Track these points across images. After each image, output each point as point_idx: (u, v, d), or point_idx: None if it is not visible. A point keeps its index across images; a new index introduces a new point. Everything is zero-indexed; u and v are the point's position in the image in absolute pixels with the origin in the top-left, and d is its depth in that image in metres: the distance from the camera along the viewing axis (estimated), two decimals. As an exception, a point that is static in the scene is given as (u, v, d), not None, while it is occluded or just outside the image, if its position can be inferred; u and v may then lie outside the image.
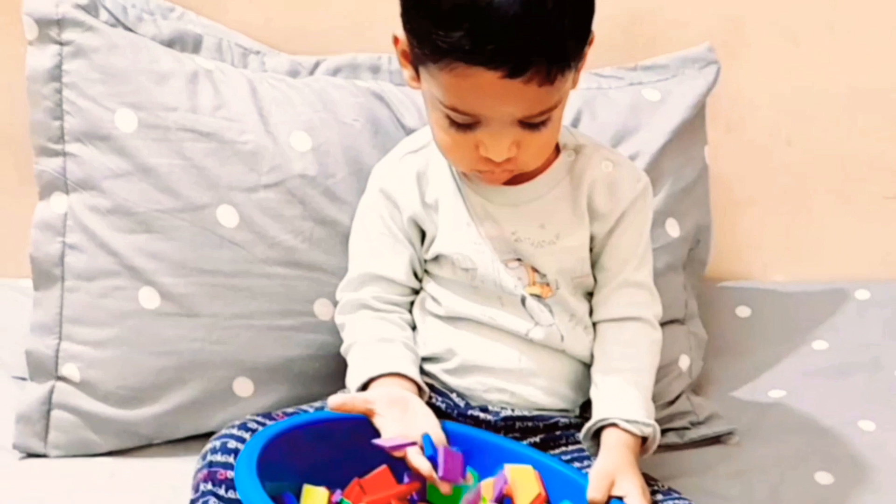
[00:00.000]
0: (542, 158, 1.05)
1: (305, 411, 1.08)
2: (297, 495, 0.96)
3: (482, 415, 1.07)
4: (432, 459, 0.97)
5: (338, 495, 0.97)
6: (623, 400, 1.04)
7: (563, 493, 1.00)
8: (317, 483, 0.97)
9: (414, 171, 1.10)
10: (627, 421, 1.02)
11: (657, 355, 1.10)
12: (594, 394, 1.07)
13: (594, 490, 0.97)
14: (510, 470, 1.00)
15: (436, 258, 1.10)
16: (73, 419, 1.17)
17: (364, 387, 1.05)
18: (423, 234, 1.11)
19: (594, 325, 1.10)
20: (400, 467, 1.01)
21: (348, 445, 1.00)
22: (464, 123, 1.00)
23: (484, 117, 0.99)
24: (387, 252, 1.10)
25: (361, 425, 1.02)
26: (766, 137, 1.46)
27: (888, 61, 1.45)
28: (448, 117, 1.00)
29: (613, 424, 1.03)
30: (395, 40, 1.04)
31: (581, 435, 1.06)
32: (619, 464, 1.00)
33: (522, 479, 1.00)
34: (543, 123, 1.00)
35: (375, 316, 1.10)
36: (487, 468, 1.01)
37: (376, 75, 1.28)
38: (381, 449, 0.98)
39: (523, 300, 1.08)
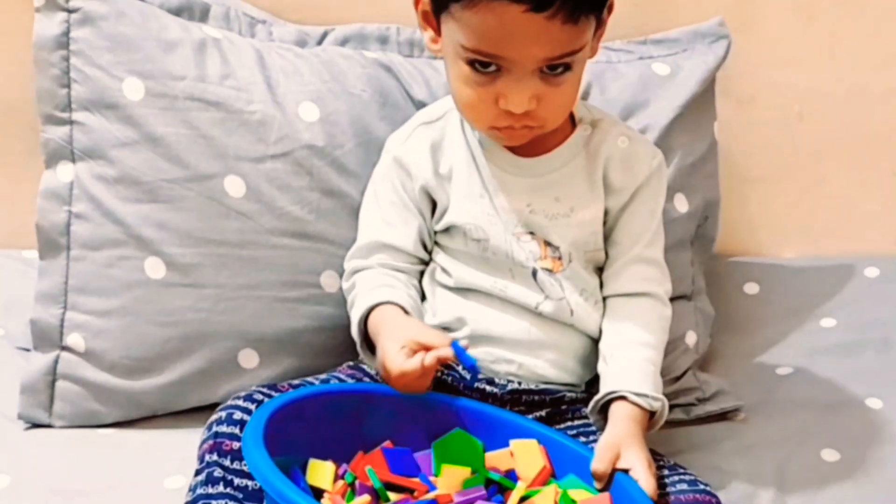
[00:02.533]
0: (561, 117, 1.06)
1: (311, 383, 1.08)
2: (304, 470, 0.96)
3: (488, 387, 1.07)
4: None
5: (344, 468, 0.97)
6: (632, 374, 1.04)
7: (568, 467, 1.00)
8: (322, 456, 0.97)
9: (428, 141, 1.10)
10: (636, 394, 1.02)
11: (666, 331, 1.10)
12: (602, 368, 1.07)
13: (598, 461, 0.98)
14: (515, 445, 1.00)
15: (447, 229, 1.10)
16: (77, 389, 1.17)
17: (366, 318, 1.05)
18: (433, 206, 1.11)
19: (604, 299, 1.10)
20: (403, 441, 1.01)
21: (354, 418, 1.00)
22: (485, 72, 1.00)
23: (505, 62, 0.99)
24: (396, 221, 1.10)
25: (366, 398, 1.02)
26: (778, 112, 1.45)
27: (901, 36, 1.44)
28: (470, 64, 1.00)
29: (622, 397, 1.03)
30: (416, 0, 1.04)
31: (588, 408, 1.05)
32: (626, 436, 1.00)
33: (527, 453, 1.00)
34: (563, 74, 1.00)
35: (381, 272, 1.10)
36: (493, 442, 1.02)
37: (384, 46, 1.28)
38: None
39: (534, 273, 1.08)
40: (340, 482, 0.96)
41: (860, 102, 1.45)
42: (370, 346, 1.06)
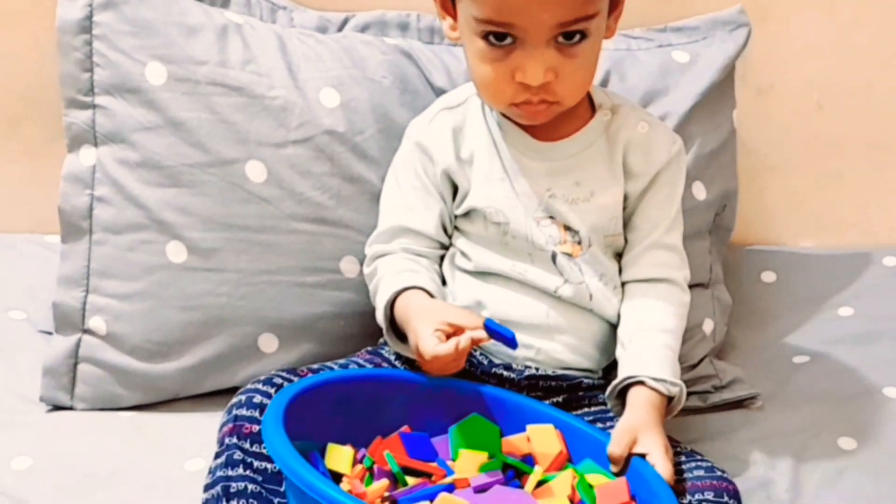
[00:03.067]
0: (578, 95, 1.06)
1: (330, 368, 1.08)
2: (323, 454, 0.97)
3: (505, 373, 1.08)
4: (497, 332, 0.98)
5: (362, 453, 0.98)
6: (650, 359, 1.04)
7: (584, 452, 1.00)
8: (341, 441, 0.98)
9: (450, 126, 1.11)
10: (655, 379, 1.03)
11: (685, 318, 1.10)
12: (620, 353, 1.07)
13: (615, 445, 0.98)
14: (531, 430, 1.01)
15: (467, 214, 1.11)
16: (99, 372, 1.18)
17: (392, 303, 1.05)
18: (454, 190, 1.11)
19: (623, 285, 1.11)
20: (421, 426, 1.02)
21: (372, 403, 1.01)
22: (500, 45, 1.01)
23: (518, 30, 1.00)
24: (418, 205, 1.11)
25: (384, 383, 1.02)
26: (797, 101, 1.45)
27: (923, 24, 1.43)
28: (485, 39, 1.01)
29: (640, 382, 1.03)
30: None
31: (606, 393, 1.06)
32: (644, 421, 1.00)
33: (544, 437, 1.00)
34: (579, 44, 1.01)
35: (403, 257, 1.10)
36: (510, 427, 1.02)
37: (405, 33, 1.28)
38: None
39: (553, 257, 1.09)
40: (359, 466, 0.97)
41: (880, 92, 1.45)
42: (396, 331, 1.06)
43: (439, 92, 1.21)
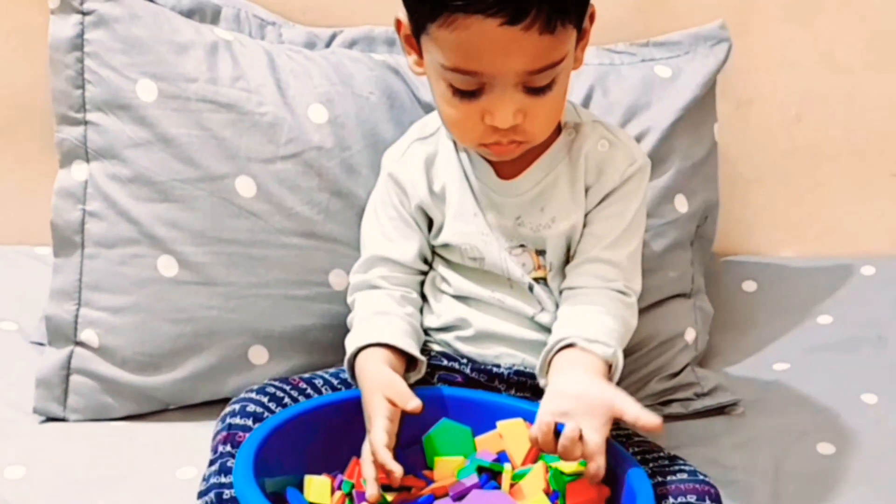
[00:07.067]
0: (549, 129, 1.04)
1: (321, 376, 1.10)
2: (300, 487, 0.97)
3: (495, 369, 1.08)
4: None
5: (339, 479, 0.98)
6: (581, 323, 1.00)
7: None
8: (317, 470, 0.98)
9: (422, 158, 1.10)
10: (588, 340, 0.98)
11: (626, 311, 1.05)
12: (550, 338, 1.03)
13: (542, 412, 0.92)
14: (501, 426, 1.00)
15: (444, 245, 1.11)
16: (91, 384, 1.19)
17: (353, 358, 1.04)
18: (430, 222, 1.11)
19: (560, 293, 1.08)
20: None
21: (341, 427, 1.00)
22: (468, 90, 0.98)
23: (487, 77, 0.97)
24: (397, 236, 1.11)
25: (350, 404, 1.01)
26: (776, 114, 1.47)
27: (898, 39, 1.46)
28: (452, 86, 0.99)
29: (570, 346, 0.98)
30: (398, 24, 1.03)
31: (537, 368, 1.02)
32: (580, 382, 0.94)
33: (514, 433, 0.99)
34: (548, 88, 0.99)
35: (379, 292, 1.10)
36: (480, 425, 1.01)
37: (392, 49, 1.29)
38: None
39: (531, 287, 1.09)
40: (338, 493, 0.97)
41: (857, 104, 1.47)
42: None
43: (426, 108, 1.22)
